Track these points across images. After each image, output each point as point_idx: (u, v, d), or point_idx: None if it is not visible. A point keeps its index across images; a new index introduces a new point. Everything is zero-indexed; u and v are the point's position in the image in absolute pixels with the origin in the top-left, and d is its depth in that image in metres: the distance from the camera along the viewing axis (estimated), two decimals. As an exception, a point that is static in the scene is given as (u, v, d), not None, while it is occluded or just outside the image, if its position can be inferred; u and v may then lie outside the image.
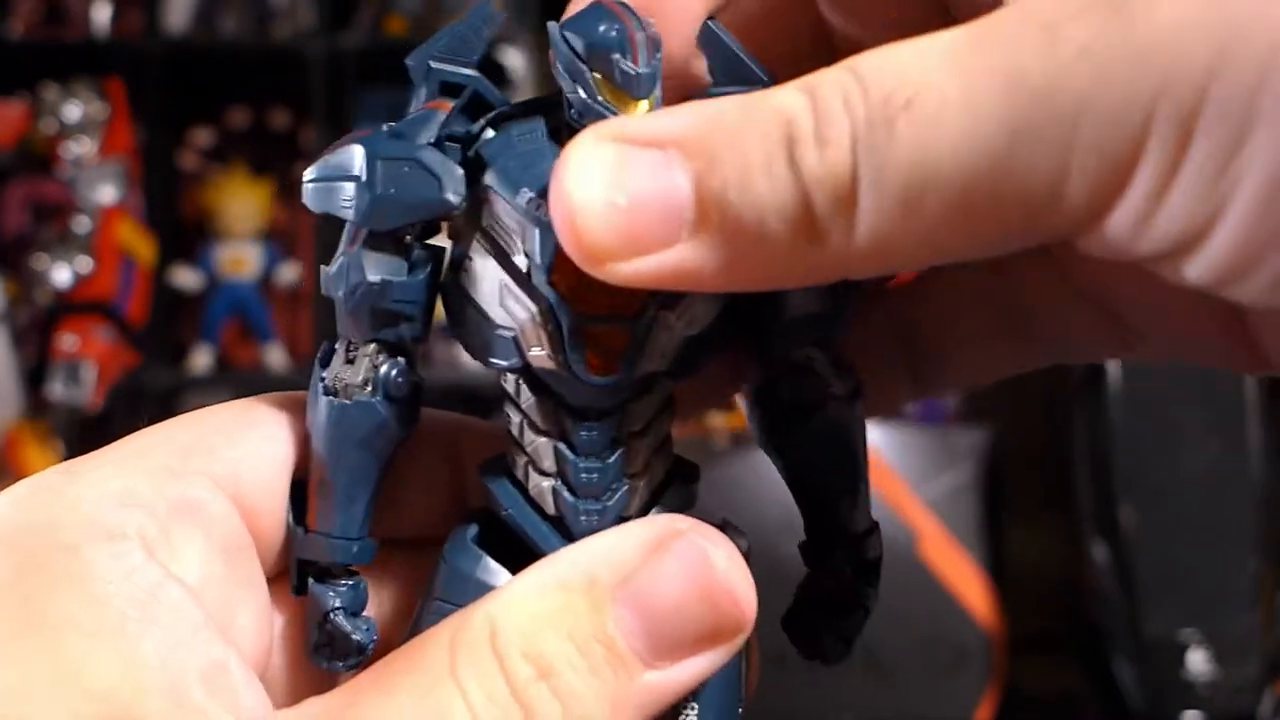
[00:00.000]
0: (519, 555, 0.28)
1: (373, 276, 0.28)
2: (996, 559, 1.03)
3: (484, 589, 0.27)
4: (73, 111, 1.39)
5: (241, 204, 1.51)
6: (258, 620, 0.29)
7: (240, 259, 1.51)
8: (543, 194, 0.26)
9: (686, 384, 0.30)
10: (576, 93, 0.26)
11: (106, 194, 1.38)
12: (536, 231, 0.26)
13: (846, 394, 0.30)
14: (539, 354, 0.27)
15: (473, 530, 0.29)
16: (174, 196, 1.52)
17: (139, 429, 0.28)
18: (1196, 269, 0.24)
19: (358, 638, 0.30)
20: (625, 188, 0.24)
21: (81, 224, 1.36)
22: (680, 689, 0.26)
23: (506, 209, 0.27)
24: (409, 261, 0.28)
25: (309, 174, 0.28)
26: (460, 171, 0.27)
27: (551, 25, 0.26)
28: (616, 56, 0.25)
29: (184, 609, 0.25)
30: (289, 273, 1.52)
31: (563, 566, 0.26)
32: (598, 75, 0.26)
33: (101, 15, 1.45)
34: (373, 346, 0.29)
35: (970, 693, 1.01)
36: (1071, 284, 0.32)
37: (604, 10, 0.26)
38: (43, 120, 1.39)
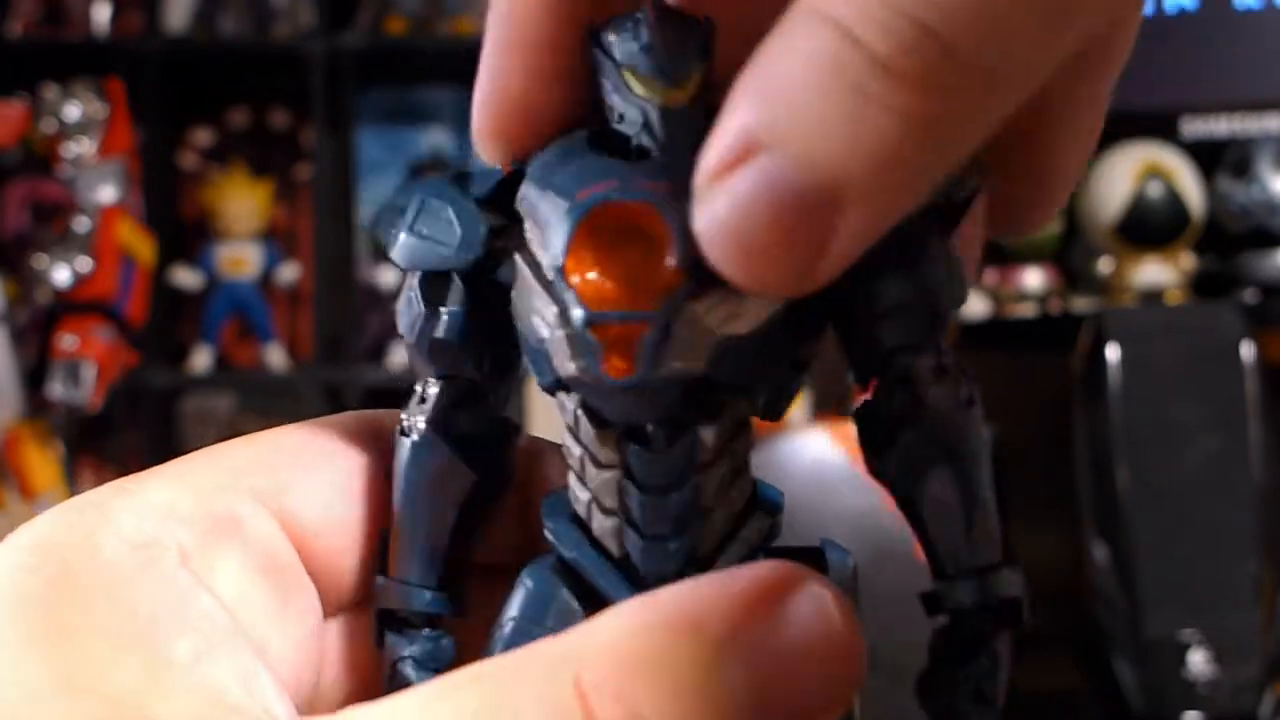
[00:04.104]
0: (588, 602, 0.27)
1: (420, 310, 0.28)
2: (996, 559, 1.03)
3: (566, 612, 0.27)
4: (73, 111, 1.39)
5: (241, 204, 1.52)
6: (297, 646, 0.28)
7: (240, 259, 1.51)
8: (560, 190, 0.25)
9: None
10: (608, 92, 0.25)
11: (106, 194, 1.38)
12: (547, 229, 0.25)
13: (951, 405, 0.27)
14: (562, 360, 0.26)
15: (551, 559, 0.28)
16: (174, 196, 1.52)
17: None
18: None
19: None
20: (761, 204, 0.22)
21: (81, 224, 1.36)
22: None
23: (532, 216, 0.26)
24: (461, 296, 0.28)
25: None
26: (482, 230, 0.27)
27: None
28: (637, 48, 0.25)
29: (215, 617, 0.25)
30: (289, 273, 1.52)
31: (664, 607, 0.23)
32: (627, 71, 0.26)
33: (101, 15, 1.46)
34: (440, 384, 0.28)
35: (970, 693, 1.01)
36: None
37: (631, 12, 0.26)
38: (43, 120, 1.39)
